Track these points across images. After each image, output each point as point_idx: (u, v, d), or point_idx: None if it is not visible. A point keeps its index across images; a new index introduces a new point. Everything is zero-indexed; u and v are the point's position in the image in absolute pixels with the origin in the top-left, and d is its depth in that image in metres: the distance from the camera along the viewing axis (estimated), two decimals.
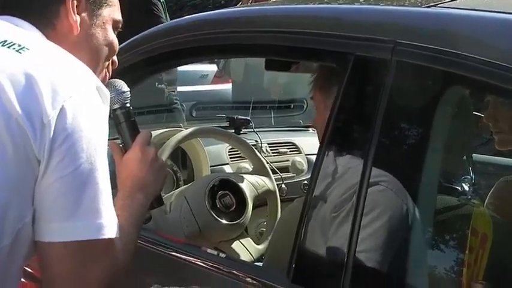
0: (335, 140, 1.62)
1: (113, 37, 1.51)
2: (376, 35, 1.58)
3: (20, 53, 1.30)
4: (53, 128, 1.22)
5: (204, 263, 1.73)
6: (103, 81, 1.49)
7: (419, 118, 1.62)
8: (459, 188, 2.35)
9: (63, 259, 1.26)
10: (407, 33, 1.56)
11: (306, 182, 2.92)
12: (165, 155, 2.31)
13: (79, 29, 1.44)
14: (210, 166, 2.74)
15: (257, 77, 5.62)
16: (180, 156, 2.77)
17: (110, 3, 1.50)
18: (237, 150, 2.85)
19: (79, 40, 1.44)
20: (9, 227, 1.23)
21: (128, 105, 1.62)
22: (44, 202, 1.24)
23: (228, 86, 7.03)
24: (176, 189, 2.57)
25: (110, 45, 1.51)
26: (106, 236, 1.27)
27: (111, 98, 1.49)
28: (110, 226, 1.28)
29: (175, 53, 1.99)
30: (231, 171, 2.80)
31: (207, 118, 4.24)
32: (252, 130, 3.20)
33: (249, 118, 3.29)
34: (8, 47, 1.31)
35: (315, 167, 1.62)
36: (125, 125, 1.61)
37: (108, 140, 1.34)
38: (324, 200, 1.60)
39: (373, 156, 1.51)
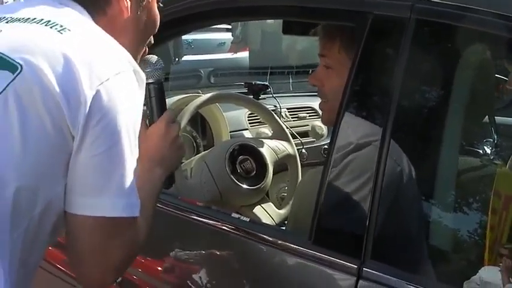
0: (353, 102, 1.61)
1: (156, 13, 1.55)
2: None
3: (61, 33, 1.33)
4: (88, 107, 1.26)
5: (225, 227, 1.73)
6: (143, 56, 1.54)
7: (439, 78, 1.60)
8: (481, 151, 2.33)
9: (91, 232, 1.32)
10: None
11: (326, 146, 2.92)
12: (184, 120, 2.30)
13: (129, 13, 1.48)
14: (230, 132, 2.74)
15: (274, 43, 5.59)
16: (200, 122, 2.77)
17: None
18: (256, 116, 2.84)
19: (127, 23, 1.48)
20: (42, 197, 1.28)
21: (161, 81, 1.67)
22: (76, 176, 1.29)
23: (245, 54, 7.00)
24: (196, 155, 2.57)
25: (153, 22, 1.55)
26: (132, 215, 1.33)
27: (147, 72, 1.55)
28: (135, 205, 1.34)
29: (196, 15, 1.97)
30: (251, 137, 2.79)
31: (225, 84, 4.22)
32: (270, 96, 3.18)
33: (267, 83, 3.27)
34: (51, 27, 1.34)
35: (334, 131, 1.61)
36: (154, 100, 1.65)
37: None
38: (343, 163, 1.59)
39: (393, 118, 1.49)
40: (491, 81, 1.93)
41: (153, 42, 1.60)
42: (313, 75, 1.98)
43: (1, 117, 1.26)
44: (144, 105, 1.59)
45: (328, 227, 1.58)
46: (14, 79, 1.26)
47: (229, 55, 7.67)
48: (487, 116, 2.23)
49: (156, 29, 1.57)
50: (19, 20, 1.39)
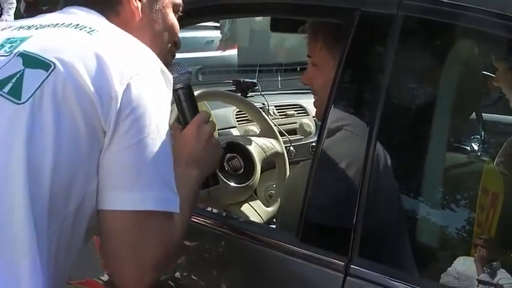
0: (341, 98, 1.61)
1: (173, 20, 1.59)
2: None
3: (91, 34, 1.39)
4: (119, 101, 1.29)
5: (213, 225, 1.72)
6: (167, 63, 1.55)
7: (427, 75, 1.60)
8: (469, 147, 2.34)
9: (123, 228, 1.33)
10: None
11: (314, 144, 2.92)
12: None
13: (140, 14, 1.52)
14: (218, 129, 2.73)
15: (262, 41, 5.60)
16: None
17: None
18: (244, 113, 2.84)
19: (141, 25, 1.52)
20: (75, 195, 1.31)
21: (190, 85, 1.69)
22: (107, 172, 1.31)
23: (234, 52, 7.00)
24: None
25: (170, 28, 1.59)
26: (164, 209, 1.33)
27: (174, 77, 1.56)
28: (169, 200, 1.34)
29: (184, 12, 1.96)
30: (239, 134, 2.79)
31: (213, 82, 4.22)
32: (259, 93, 3.18)
33: (255, 81, 3.27)
34: (80, 29, 1.40)
35: (321, 126, 1.61)
36: (185, 104, 1.68)
37: None
38: (331, 160, 1.59)
39: (381, 114, 1.49)
40: (478, 78, 1.94)
41: (179, 47, 1.65)
42: (304, 74, 2.00)
43: (36, 114, 1.28)
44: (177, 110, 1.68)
45: (315, 224, 1.58)
46: (48, 76, 1.30)
47: (217, 53, 7.67)
48: (474, 113, 2.24)
49: (176, 36, 1.62)
50: (48, 25, 1.44)
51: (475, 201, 1.62)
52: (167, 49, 1.61)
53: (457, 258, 1.49)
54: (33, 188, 1.26)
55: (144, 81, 1.33)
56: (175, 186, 1.36)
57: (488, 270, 1.43)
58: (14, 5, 8.05)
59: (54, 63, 1.31)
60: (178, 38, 1.65)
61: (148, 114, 1.32)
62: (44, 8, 6.27)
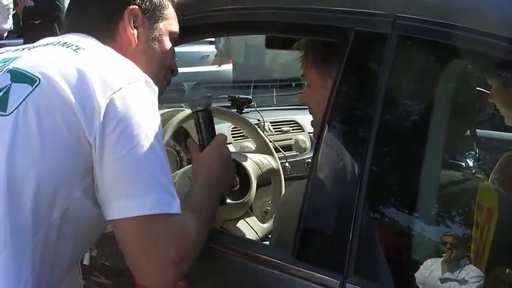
0: (336, 116, 1.61)
1: (169, 47, 1.66)
2: (375, 9, 1.56)
3: (76, 52, 1.45)
4: (102, 115, 1.34)
5: (208, 241, 1.72)
6: (162, 89, 1.61)
7: (421, 94, 1.61)
8: (463, 164, 2.34)
9: (131, 234, 1.41)
10: (407, 6, 1.54)
11: (309, 160, 2.92)
12: (167, 134, 2.30)
13: (137, 41, 1.59)
14: None
15: (258, 57, 5.61)
16: (183, 136, 2.76)
17: (166, 17, 1.66)
18: (239, 130, 2.84)
19: (137, 51, 1.59)
20: (59, 202, 1.36)
21: (210, 109, 1.78)
22: (106, 183, 1.38)
23: (229, 67, 7.01)
24: (180, 169, 2.56)
25: (166, 55, 1.66)
26: (164, 211, 1.39)
27: (196, 100, 1.73)
28: (167, 202, 1.40)
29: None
30: (234, 151, 2.79)
31: None
32: (254, 109, 3.18)
33: (250, 97, 3.27)
34: (67, 47, 1.47)
35: (317, 145, 1.61)
36: (203, 126, 1.76)
37: None
38: (326, 178, 1.59)
39: (376, 132, 1.50)
40: (472, 96, 1.95)
41: (176, 73, 1.73)
42: (301, 94, 2.02)
43: (21, 125, 1.35)
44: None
45: (311, 242, 1.58)
46: (32, 90, 1.37)
47: (212, 68, 7.68)
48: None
49: (171, 62, 1.69)
50: (39, 45, 1.53)
51: (470, 218, 1.62)
52: (162, 75, 1.66)
53: (427, 260, 1.49)
54: (15, 199, 1.32)
55: (128, 94, 1.37)
56: (173, 188, 1.42)
57: (454, 269, 1.44)
58: (11, 12, 8.00)
59: (39, 78, 1.37)
60: (175, 65, 1.71)
61: (135, 124, 1.36)
62: (36, 23, 6.28)
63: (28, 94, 1.37)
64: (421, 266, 1.47)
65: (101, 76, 1.38)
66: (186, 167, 2.47)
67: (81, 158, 1.36)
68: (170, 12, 1.69)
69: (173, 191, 1.42)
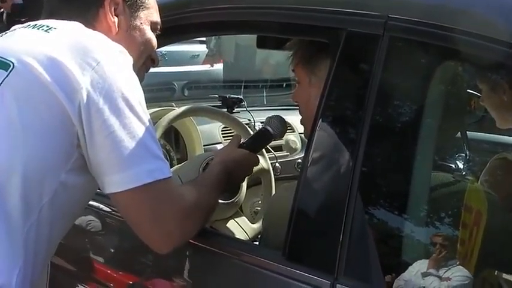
0: (327, 116, 1.61)
1: (150, 36, 1.66)
2: (367, 10, 1.56)
3: (48, 32, 1.44)
4: (86, 94, 1.34)
5: (198, 241, 1.72)
6: (141, 77, 1.61)
7: (412, 95, 1.61)
8: (453, 165, 2.35)
9: (130, 206, 1.44)
10: (399, 7, 1.54)
11: (299, 160, 2.92)
12: (157, 134, 2.29)
13: (117, 29, 1.59)
14: (203, 145, 2.73)
15: (248, 57, 5.61)
16: (173, 135, 2.76)
17: (147, 6, 1.66)
18: (230, 129, 2.84)
19: (118, 39, 1.56)
20: (48, 186, 1.37)
21: (273, 138, 2.06)
22: (100, 159, 1.39)
23: (219, 66, 7.00)
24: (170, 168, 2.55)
25: (147, 43, 1.66)
26: (158, 178, 1.41)
27: (274, 126, 2.00)
28: (159, 169, 1.42)
29: (169, 29, 1.97)
30: None
31: (199, 97, 4.22)
32: (244, 109, 3.18)
33: (241, 97, 3.27)
34: (38, 29, 1.46)
35: (308, 145, 1.61)
36: (258, 139, 2.04)
37: None
38: (317, 178, 1.59)
39: (367, 133, 1.50)
40: (463, 98, 1.95)
41: (157, 63, 1.74)
42: (293, 93, 2.02)
43: (0, 112, 1.35)
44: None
45: (301, 242, 1.58)
46: (7, 75, 1.37)
47: (203, 67, 7.67)
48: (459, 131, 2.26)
49: (152, 51, 1.68)
50: (11, 31, 1.54)
51: (458, 219, 1.63)
52: (141, 63, 1.66)
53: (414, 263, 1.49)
54: (3, 188, 1.33)
55: (108, 68, 1.38)
56: (161, 151, 1.45)
57: (440, 268, 1.44)
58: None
59: (12, 63, 1.37)
60: (156, 54, 1.71)
61: (119, 98, 1.37)
62: (22, 20, 6.22)
63: (3, 80, 1.37)
64: (409, 267, 1.47)
65: (76, 53, 1.37)
66: (177, 166, 2.47)
67: (65, 138, 1.37)
68: (151, 1, 1.69)
69: (162, 155, 1.45)
